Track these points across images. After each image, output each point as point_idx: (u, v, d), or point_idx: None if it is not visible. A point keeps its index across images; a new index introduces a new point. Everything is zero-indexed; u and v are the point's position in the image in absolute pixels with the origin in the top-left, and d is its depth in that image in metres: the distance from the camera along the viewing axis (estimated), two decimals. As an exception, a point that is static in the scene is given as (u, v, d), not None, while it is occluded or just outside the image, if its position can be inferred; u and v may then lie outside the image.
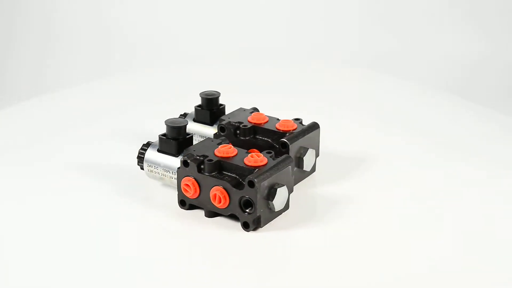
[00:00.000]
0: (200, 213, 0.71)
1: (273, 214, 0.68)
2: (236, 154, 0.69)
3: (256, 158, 0.68)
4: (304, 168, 0.76)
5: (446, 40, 1.74)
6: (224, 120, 0.79)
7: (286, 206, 0.70)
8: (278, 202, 0.67)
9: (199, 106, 0.82)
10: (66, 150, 0.88)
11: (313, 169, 0.79)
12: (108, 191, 0.76)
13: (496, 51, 1.72)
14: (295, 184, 0.75)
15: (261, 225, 0.67)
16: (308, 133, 0.76)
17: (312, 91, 1.11)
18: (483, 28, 1.75)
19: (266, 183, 0.65)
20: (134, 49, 1.74)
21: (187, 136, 0.74)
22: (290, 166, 0.68)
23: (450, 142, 0.92)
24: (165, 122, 0.73)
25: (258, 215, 0.66)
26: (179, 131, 0.73)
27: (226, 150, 0.70)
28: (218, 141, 0.73)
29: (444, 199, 0.76)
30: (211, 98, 0.81)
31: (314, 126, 0.78)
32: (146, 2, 1.79)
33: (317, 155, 0.79)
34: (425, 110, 1.06)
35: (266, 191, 0.66)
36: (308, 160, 0.76)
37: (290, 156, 0.70)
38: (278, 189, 0.66)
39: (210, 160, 0.68)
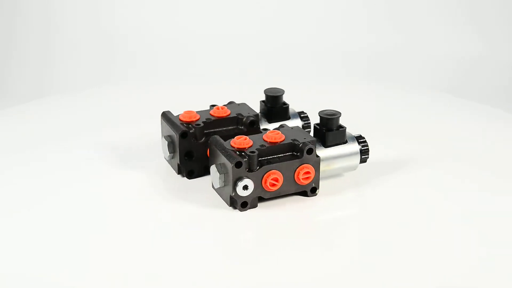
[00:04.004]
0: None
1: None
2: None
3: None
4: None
5: (443, 40, 1.71)
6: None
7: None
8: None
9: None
10: (58, 153, 0.91)
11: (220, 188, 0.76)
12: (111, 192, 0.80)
13: (493, 51, 1.69)
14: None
15: None
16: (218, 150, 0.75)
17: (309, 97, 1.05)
18: (480, 28, 1.71)
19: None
20: (135, 59, 1.73)
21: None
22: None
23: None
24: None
25: None
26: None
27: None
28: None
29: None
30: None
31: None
32: (150, 12, 1.79)
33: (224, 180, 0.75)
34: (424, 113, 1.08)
35: None
36: (212, 172, 0.76)
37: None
38: None
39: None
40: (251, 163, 0.73)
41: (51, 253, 0.68)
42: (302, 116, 0.88)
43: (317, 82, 1.23)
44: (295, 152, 0.76)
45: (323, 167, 0.79)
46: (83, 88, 1.35)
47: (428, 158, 0.90)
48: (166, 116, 0.83)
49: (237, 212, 0.75)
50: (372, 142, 0.83)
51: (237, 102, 0.88)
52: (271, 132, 0.77)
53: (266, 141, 0.76)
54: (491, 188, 0.82)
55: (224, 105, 0.87)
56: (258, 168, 0.74)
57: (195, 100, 0.96)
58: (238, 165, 0.73)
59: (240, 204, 0.75)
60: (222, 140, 0.77)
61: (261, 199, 0.77)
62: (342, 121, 0.80)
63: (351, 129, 0.83)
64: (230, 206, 0.76)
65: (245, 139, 0.75)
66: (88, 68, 1.68)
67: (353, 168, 0.81)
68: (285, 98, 0.88)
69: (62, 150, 0.91)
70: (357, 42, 1.70)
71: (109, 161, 0.88)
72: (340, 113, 0.80)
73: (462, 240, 0.71)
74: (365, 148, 0.81)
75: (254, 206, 0.76)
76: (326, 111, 0.80)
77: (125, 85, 1.37)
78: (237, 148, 0.75)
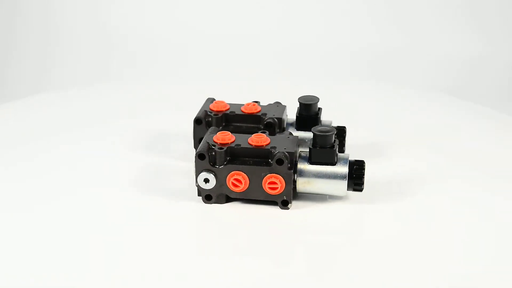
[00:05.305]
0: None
1: None
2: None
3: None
4: None
5: (443, 40, 1.69)
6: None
7: None
8: None
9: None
10: (58, 150, 0.92)
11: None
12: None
13: (493, 51, 1.68)
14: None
15: None
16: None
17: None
18: (480, 28, 1.69)
19: None
20: (134, 57, 1.64)
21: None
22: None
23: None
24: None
25: None
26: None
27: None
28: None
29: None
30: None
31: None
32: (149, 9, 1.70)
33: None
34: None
35: None
36: None
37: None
38: None
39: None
40: (217, 158, 0.75)
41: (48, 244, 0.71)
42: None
43: (318, 83, 1.19)
44: (270, 159, 0.75)
45: (302, 183, 0.76)
46: (85, 86, 1.39)
47: (428, 158, 0.88)
48: (205, 102, 0.88)
49: (216, 206, 0.77)
50: (373, 142, 0.80)
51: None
52: (257, 135, 0.77)
53: (249, 143, 0.76)
54: (496, 190, 0.81)
55: (270, 104, 0.88)
56: (225, 165, 0.75)
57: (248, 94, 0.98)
58: (200, 157, 0.75)
59: (204, 196, 0.77)
60: (214, 132, 0.79)
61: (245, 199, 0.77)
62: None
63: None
64: (198, 196, 0.78)
65: (227, 134, 0.77)
66: (91, 68, 1.71)
67: (340, 192, 0.75)
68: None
69: (62, 144, 0.95)
70: (357, 42, 1.67)
71: (129, 145, 0.93)
72: (334, 130, 0.75)
73: (467, 247, 0.70)
74: (358, 175, 0.75)
75: (220, 202, 0.77)
76: (320, 128, 0.76)
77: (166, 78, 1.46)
78: (219, 143, 0.76)
